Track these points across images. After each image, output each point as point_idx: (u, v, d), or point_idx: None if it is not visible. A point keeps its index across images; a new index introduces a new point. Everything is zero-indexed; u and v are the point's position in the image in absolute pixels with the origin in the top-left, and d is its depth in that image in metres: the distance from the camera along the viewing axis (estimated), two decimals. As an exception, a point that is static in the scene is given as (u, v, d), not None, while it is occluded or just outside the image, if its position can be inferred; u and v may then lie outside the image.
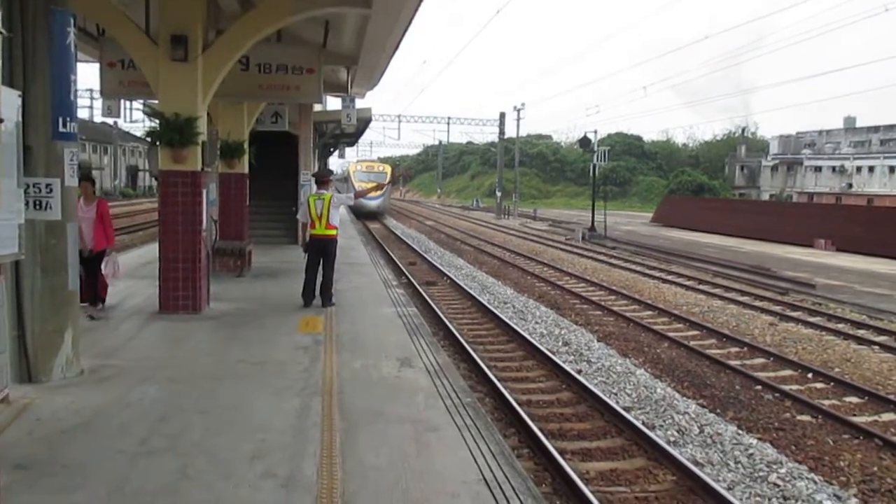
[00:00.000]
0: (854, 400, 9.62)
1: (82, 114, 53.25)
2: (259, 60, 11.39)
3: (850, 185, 62.48)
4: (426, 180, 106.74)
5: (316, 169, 22.71)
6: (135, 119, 48.55)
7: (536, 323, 13.59)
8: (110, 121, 61.80)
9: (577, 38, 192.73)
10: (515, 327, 12.57)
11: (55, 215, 6.10)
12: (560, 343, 12.02)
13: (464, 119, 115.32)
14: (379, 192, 39.18)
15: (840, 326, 14.26)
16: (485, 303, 14.97)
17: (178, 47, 8.85)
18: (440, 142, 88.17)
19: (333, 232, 10.41)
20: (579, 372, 10.06)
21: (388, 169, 51.03)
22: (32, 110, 5.92)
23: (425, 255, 24.21)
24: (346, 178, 51.90)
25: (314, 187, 19.70)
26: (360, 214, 42.40)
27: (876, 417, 8.95)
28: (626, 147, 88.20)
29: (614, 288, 18.47)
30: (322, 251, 10.38)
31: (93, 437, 5.02)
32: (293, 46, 12.26)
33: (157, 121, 9.08)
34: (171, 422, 5.36)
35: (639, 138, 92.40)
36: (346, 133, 27.78)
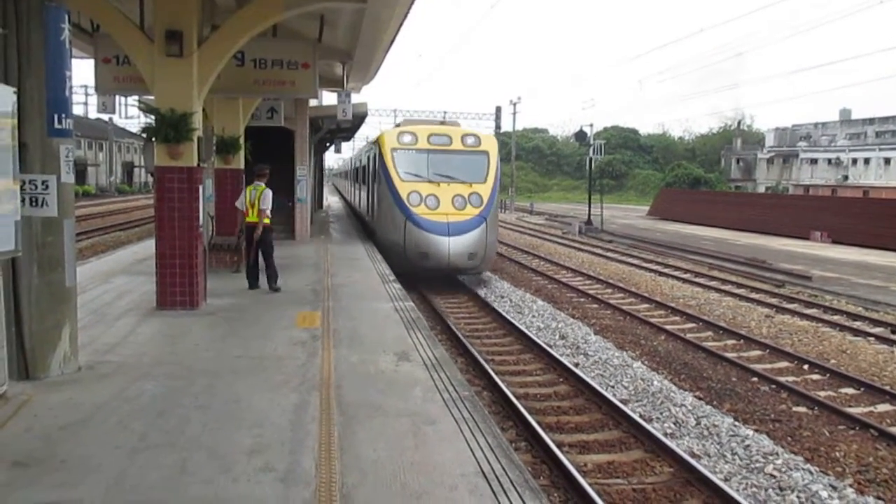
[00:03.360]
0: (850, 391, 9.67)
1: (77, 110, 53.10)
2: (254, 55, 11.37)
3: (846, 178, 62.59)
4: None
5: (312, 164, 22.65)
6: (130, 115, 48.34)
7: (533, 316, 13.62)
8: (105, 117, 61.91)
9: (573, 31, 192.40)
10: (513, 321, 12.60)
11: (51, 212, 6.10)
12: (557, 336, 12.05)
13: (460, 113, 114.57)
14: (467, 213, 16.05)
15: (836, 318, 14.31)
16: (482, 296, 14.99)
17: (173, 43, 8.81)
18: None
19: (265, 220, 11.04)
20: (576, 365, 10.09)
21: (492, 146, 17.81)
22: (28, 107, 5.91)
23: (422, 250, 24.15)
24: (365, 170, 23.10)
25: (308, 182, 19.73)
26: (421, 272, 16.04)
27: (871, 408, 9.00)
28: (622, 140, 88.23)
29: (611, 281, 18.50)
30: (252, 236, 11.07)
31: (91, 432, 5.03)
32: (288, 41, 12.22)
33: (153, 117, 9.05)
34: (169, 417, 5.36)
35: (635, 132, 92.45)
36: (342, 128, 27.73)
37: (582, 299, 16.12)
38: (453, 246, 15.47)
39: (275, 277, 11.07)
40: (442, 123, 18.96)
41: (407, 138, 17.10)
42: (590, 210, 37.97)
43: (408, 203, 15.92)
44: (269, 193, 11.06)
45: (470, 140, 17.34)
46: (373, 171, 19.66)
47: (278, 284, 11.05)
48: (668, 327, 12.99)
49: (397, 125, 19.63)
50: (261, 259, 11.15)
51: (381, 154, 17.37)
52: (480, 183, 16.47)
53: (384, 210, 17.15)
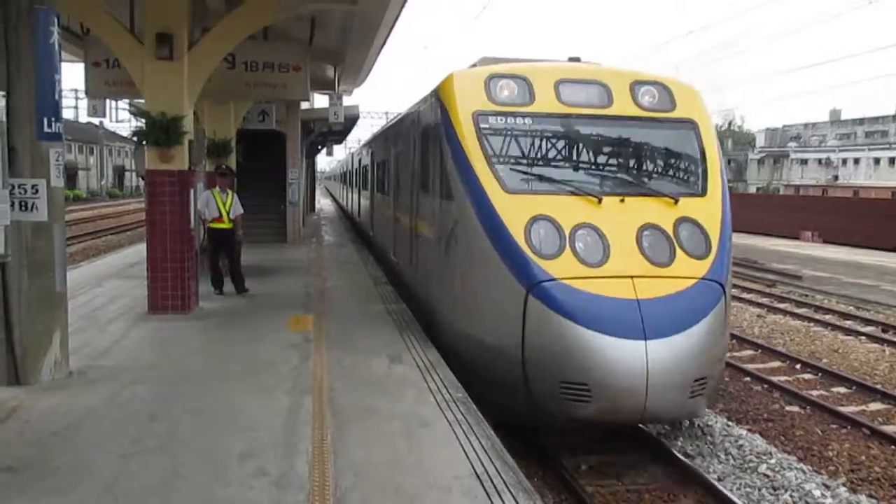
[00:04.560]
0: (842, 390, 9.71)
1: (68, 114, 52.84)
2: (245, 58, 11.35)
3: (836, 177, 62.92)
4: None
5: (304, 167, 22.58)
6: (121, 119, 48.05)
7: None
8: (96, 121, 61.42)
9: (567, 30, 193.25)
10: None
11: (41, 216, 6.05)
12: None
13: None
14: (677, 271, 6.44)
15: (827, 317, 14.36)
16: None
17: (164, 46, 8.78)
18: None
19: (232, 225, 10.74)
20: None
21: (698, 107, 7.61)
22: (17, 111, 5.87)
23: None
24: (385, 167, 13.53)
25: (300, 185, 19.68)
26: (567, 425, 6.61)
27: (863, 407, 9.05)
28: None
29: (603, 282, 18.48)
30: (225, 242, 10.74)
31: (83, 438, 4.99)
32: (279, 44, 12.22)
33: (144, 120, 9.01)
34: (161, 422, 5.33)
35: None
36: (334, 131, 27.66)
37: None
38: (658, 362, 5.96)
39: (218, 281, 10.88)
40: (584, 67, 8.46)
41: (507, 91, 7.50)
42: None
43: (527, 247, 6.54)
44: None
45: (649, 96, 7.73)
46: (418, 170, 9.61)
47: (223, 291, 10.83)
48: (660, 328, 13.00)
49: (473, 66, 8.78)
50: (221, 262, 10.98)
51: (447, 128, 7.64)
52: (696, 196, 7.45)
53: (460, 261, 7.51)
